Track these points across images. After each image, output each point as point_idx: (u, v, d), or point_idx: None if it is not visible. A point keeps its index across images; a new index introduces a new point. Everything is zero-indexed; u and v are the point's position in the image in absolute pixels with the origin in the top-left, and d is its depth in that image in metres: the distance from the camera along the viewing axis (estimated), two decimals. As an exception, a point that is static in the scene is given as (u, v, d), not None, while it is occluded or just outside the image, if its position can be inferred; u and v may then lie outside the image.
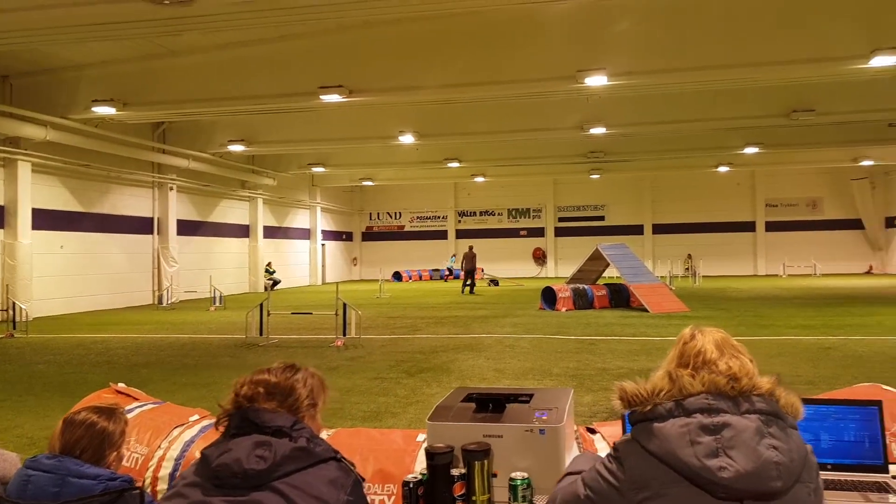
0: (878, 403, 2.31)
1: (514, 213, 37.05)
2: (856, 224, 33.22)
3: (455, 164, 25.32)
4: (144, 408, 3.63)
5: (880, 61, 12.46)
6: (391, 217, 38.66)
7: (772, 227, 34.16)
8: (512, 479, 2.07)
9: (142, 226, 20.82)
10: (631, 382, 1.65)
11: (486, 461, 2.12)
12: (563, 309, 15.98)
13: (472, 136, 20.20)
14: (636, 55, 12.90)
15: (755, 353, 6.50)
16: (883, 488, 2.13)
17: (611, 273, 18.81)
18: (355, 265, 38.25)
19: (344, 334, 11.26)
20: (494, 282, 28.53)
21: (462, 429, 2.22)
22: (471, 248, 23.83)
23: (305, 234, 32.45)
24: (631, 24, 12.45)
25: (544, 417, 2.20)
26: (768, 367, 6.36)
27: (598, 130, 19.01)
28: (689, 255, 32.60)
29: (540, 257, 36.21)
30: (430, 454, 2.14)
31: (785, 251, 33.08)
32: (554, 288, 16.48)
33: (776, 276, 32.00)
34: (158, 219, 21.42)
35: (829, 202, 33.87)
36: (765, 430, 1.49)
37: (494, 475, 2.15)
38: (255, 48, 14.47)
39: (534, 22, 12.69)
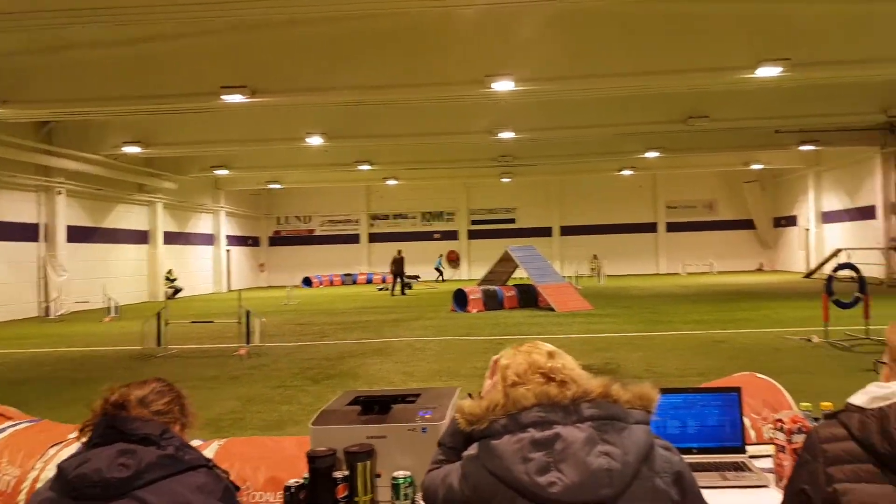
0: (738, 390, 2.47)
1: (427, 216, 37.15)
2: (748, 224, 35.44)
3: (366, 167, 25.10)
4: (18, 427, 3.37)
5: (765, 72, 13.32)
6: (300, 221, 37.82)
7: (672, 227, 35.89)
8: (394, 479, 2.05)
9: (25, 233, 19.33)
10: (468, 400, 1.64)
11: (368, 462, 2.11)
12: (474, 310, 16.14)
13: (383, 138, 20.08)
14: (541, 62, 13.21)
15: (652, 349, 6.84)
16: (739, 467, 2.28)
17: (521, 274, 19.17)
18: (262, 271, 37.15)
19: (247, 343, 10.88)
20: (408, 285, 28.43)
21: (346, 431, 2.19)
22: (399, 252, 25.32)
23: (209, 239, 31.24)
24: (535, 31, 12.71)
25: (427, 416, 2.19)
26: (664, 361, 6.66)
27: (507, 135, 19.36)
28: (595, 255, 33.70)
29: (454, 260, 36.48)
30: (311, 458, 2.11)
31: (684, 250, 34.83)
32: (465, 290, 16.63)
33: (676, 274, 33.62)
34: (45, 225, 19.97)
35: (724, 204, 35.94)
36: (597, 438, 1.48)
37: (378, 476, 2.13)
38: (152, 45, 13.71)
39: (443, 27, 12.73)
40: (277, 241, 37.90)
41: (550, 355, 1.67)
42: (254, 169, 27.02)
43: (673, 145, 24.12)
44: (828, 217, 29.55)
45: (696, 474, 2.08)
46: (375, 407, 2.30)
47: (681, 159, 28.53)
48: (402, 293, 24.39)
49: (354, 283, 33.36)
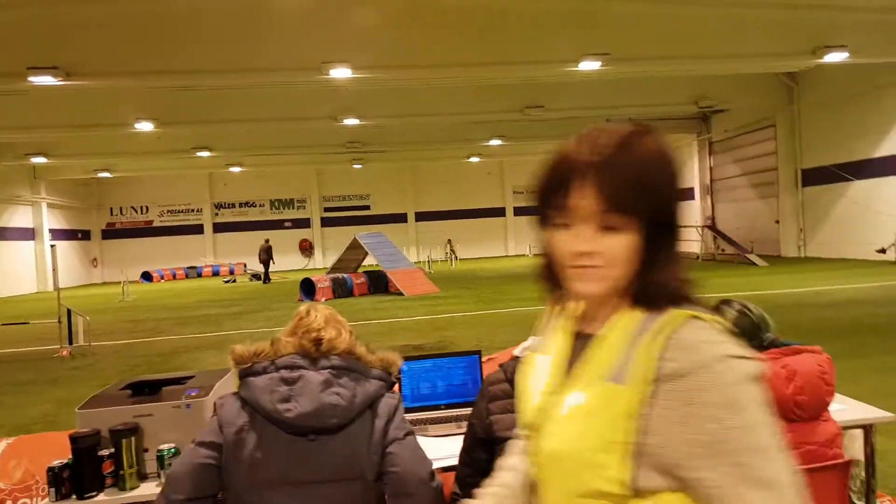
0: (479, 353, 2.89)
1: (277, 204, 36.15)
2: (586, 207, 37.90)
3: (205, 154, 23.94)
4: None
5: (587, 65, 14.38)
6: (137, 212, 35.34)
7: (519, 211, 37.67)
8: (159, 451, 2.21)
9: None
10: (241, 345, 1.90)
11: (133, 438, 2.23)
12: (322, 299, 16.05)
13: (221, 123, 19.29)
14: (377, 50, 13.33)
15: (487, 326, 7.34)
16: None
17: (372, 261, 19.32)
18: (95, 266, 34.35)
19: (70, 343, 10.16)
20: (257, 276, 27.67)
21: (113, 413, 2.30)
22: (266, 240, 26.49)
23: (28, 234, 28.34)
24: (370, 20, 12.80)
25: (193, 395, 2.29)
26: (493, 336, 7.16)
27: (352, 121, 19.35)
28: (450, 240, 34.64)
29: (307, 248, 35.87)
30: (74, 439, 2.22)
31: (531, 233, 36.59)
32: (312, 279, 16.50)
33: (524, 255, 35.40)
34: None
35: (564, 189, 38.18)
36: (333, 381, 1.81)
37: (146, 450, 2.26)
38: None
39: (276, 11, 12.45)
40: (112, 233, 35.13)
41: (326, 321, 1.96)
42: (79, 156, 24.76)
43: (514, 133, 25.31)
44: (654, 199, 32.34)
45: (440, 426, 2.58)
46: (146, 389, 2.37)
47: (523, 147, 29.96)
48: (266, 280, 25.29)
49: (199, 276, 31.79)
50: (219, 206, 35.84)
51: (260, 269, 26.02)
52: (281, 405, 1.74)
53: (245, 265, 31.12)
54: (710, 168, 27.61)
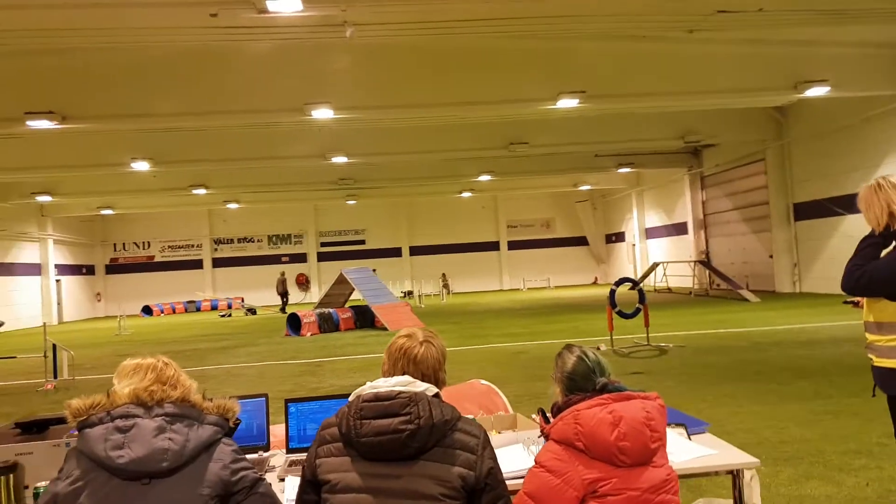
0: (265, 396, 3.01)
1: (274, 239, 36.55)
2: (582, 241, 38.14)
3: (202, 191, 24.44)
4: None
5: (565, 103, 14.71)
6: (139, 247, 35.85)
7: (513, 245, 37.87)
8: (36, 488, 2.37)
9: None
10: (77, 399, 2.03)
11: (11, 476, 2.38)
12: (308, 334, 16.24)
13: (214, 162, 19.74)
14: (357, 91, 13.74)
15: (458, 363, 7.49)
16: (262, 463, 2.82)
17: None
18: (99, 301, 34.79)
19: (55, 377, 10.36)
20: (251, 311, 27.92)
21: None
22: (282, 273, 29.41)
23: (35, 269, 28.90)
24: (348, 60, 13.24)
25: (74, 434, 2.47)
26: (462, 374, 7.29)
27: (340, 159, 19.74)
28: (444, 273, 34.84)
29: (304, 283, 36.12)
30: None
31: (524, 267, 36.86)
32: (299, 314, 16.69)
33: (518, 289, 35.49)
34: None
35: (560, 222, 38.47)
36: (167, 427, 1.92)
37: (27, 487, 2.42)
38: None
39: (256, 54, 12.90)
40: (115, 268, 35.62)
41: (165, 366, 2.16)
42: (82, 195, 25.37)
43: (502, 169, 25.65)
44: (650, 233, 32.52)
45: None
46: (34, 428, 2.56)
47: (515, 181, 30.35)
48: (283, 311, 26.10)
49: (198, 310, 32.06)
50: (218, 241, 36.29)
51: (260, 302, 26.24)
52: (114, 452, 1.84)
53: (242, 299, 31.39)
54: (703, 202, 27.77)
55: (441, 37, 12.55)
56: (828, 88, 15.30)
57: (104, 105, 13.26)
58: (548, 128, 20.11)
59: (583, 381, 2.36)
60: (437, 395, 2.05)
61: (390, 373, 2.16)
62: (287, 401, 2.94)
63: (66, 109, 13.07)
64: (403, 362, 2.16)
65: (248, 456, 2.89)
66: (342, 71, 13.42)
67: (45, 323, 11.83)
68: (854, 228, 18.95)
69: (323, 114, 13.70)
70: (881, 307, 3.01)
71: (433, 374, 2.15)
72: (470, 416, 3.46)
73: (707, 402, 6.68)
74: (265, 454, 2.92)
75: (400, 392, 1.98)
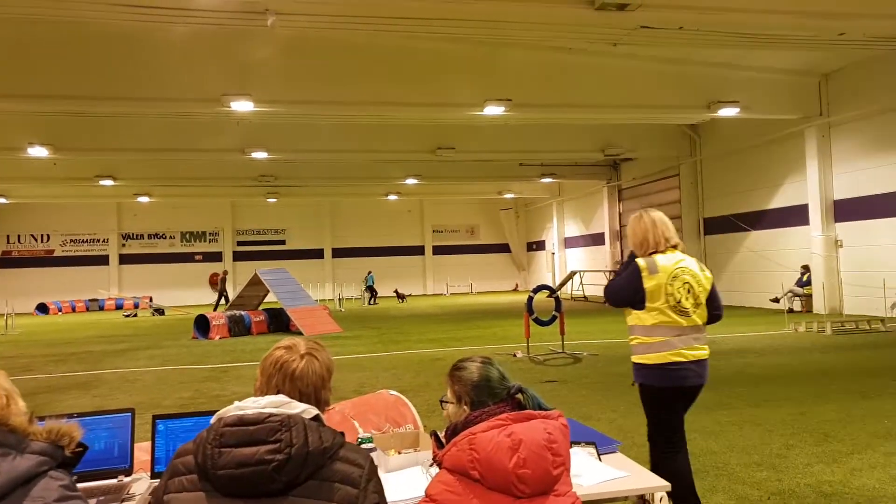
0: (131, 411, 2.63)
1: (188, 236, 34.96)
2: (505, 248, 38.51)
3: (109, 182, 22.98)
4: None
5: (491, 110, 14.69)
6: (37, 240, 33.40)
7: (438, 250, 37.81)
8: None
9: None
10: None
11: None
12: (217, 337, 15.49)
13: (123, 152, 18.60)
14: (278, 84, 13.25)
15: (374, 369, 7.21)
16: (120, 490, 2.43)
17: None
18: (-15, 297, 32.19)
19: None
20: (159, 311, 26.54)
21: None
22: (224, 271, 29.34)
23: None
24: (273, 53, 12.72)
25: None
26: (377, 381, 6.90)
27: (261, 155, 19.03)
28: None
29: (215, 283, 34.70)
30: None
31: (449, 272, 36.84)
32: (207, 315, 15.89)
33: (441, 294, 35.39)
34: None
35: (485, 229, 38.71)
36: None
37: None
38: None
39: (173, 39, 12.19)
40: (7, 262, 32.92)
41: None
42: (-30, 181, 23.42)
43: (429, 173, 25.54)
44: (569, 242, 33.21)
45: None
46: None
47: (441, 186, 30.32)
48: (216, 308, 25.10)
49: (102, 309, 30.21)
50: (126, 236, 34.30)
51: (170, 302, 24.89)
52: None
53: (151, 299, 29.82)
54: (620, 214, 28.54)
55: (369, 33, 12.24)
56: (738, 109, 15.98)
57: (-3, 83, 12.19)
58: (475, 134, 20.13)
59: (499, 385, 2.15)
60: (316, 418, 1.76)
61: (262, 390, 1.86)
62: (155, 417, 2.58)
63: (-50, 85, 11.95)
64: (279, 378, 1.86)
65: (106, 482, 2.50)
66: (264, 62, 12.90)
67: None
68: (756, 244, 19.91)
69: (242, 106, 13.11)
70: (627, 313, 3.65)
71: (314, 392, 1.86)
72: (366, 435, 3.18)
73: (618, 412, 6.67)
74: (126, 479, 2.54)
75: (270, 415, 1.68)
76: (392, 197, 30.86)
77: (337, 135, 19.12)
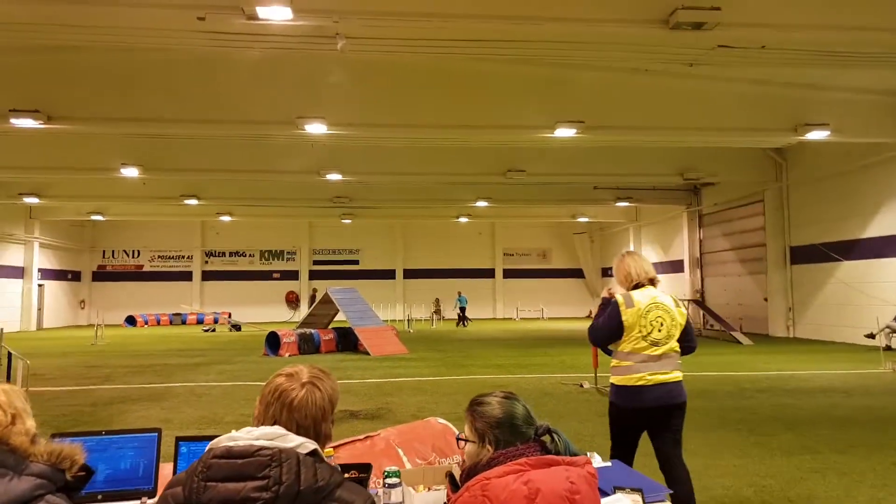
0: (158, 431, 2.56)
1: (266, 254, 36.14)
2: (578, 273, 37.75)
3: (193, 202, 24.08)
4: None
5: (562, 132, 14.45)
6: (128, 256, 35.38)
7: (508, 273, 37.49)
8: None
9: None
10: None
11: None
12: (287, 354, 15.77)
13: (206, 172, 19.40)
14: (352, 108, 13.49)
15: (436, 393, 7.23)
16: None
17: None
18: (83, 308, 34.24)
19: (9, 386, 9.89)
20: (236, 326, 27.43)
21: None
22: (314, 290, 30.78)
23: (18, 272, 28.43)
24: (344, 76, 12.99)
25: None
26: (436, 406, 6.89)
27: (335, 177, 19.43)
28: (437, 298, 34.38)
29: (293, 301, 35.64)
30: None
31: (519, 296, 36.41)
32: (278, 333, 16.23)
33: (511, 318, 34.98)
34: None
35: (557, 253, 38.14)
36: None
37: None
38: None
39: (248, 63, 12.66)
40: (102, 276, 35.10)
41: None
42: (71, 198, 24.97)
43: (499, 196, 25.41)
44: (645, 268, 32.13)
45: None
46: None
47: (512, 209, 30.08)
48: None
49: (184, 323, 31.56)
50: (209, 253, 35.86)
51: (248, 318, 25.68)
52: None
53: (230, 315, 30.90)
54: (700, 241, 27.46)
55: (438, 57, 12.33)
56: (828, 133, 15.08)
57: (91, 106, 12.98)
58: (545, 157, 19.89)
59: (525, 424, 1.98)
60: (314, 453, 1.64)
61: (260, 420, 1.76)
62: (178, 439, 2.53)
63: (51, 109, 12.80)
64: (276, 408, 1.74)
65: (130, 503, 2.48)
66: (336, 85, 13.18)
67: (1, 329, 11.34)
68: (848, 275, 18.62)
69: (316, 128, 13.42)
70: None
71: (313, 425, 1.74)
72: (393, 469, 3.04)
73: (687, 452, 6.20)
74: (149, 501, 2.50)
75: (261, 448, 1.57)
76: (463, 219, 30.91)
77: (408, 157, 19.32)
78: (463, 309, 29.93)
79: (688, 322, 4.03)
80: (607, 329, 3.93)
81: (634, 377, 3.88)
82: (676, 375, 3.97)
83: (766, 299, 22.44)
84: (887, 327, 16.01)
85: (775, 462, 5.90)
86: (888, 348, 15.39)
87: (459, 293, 31.17)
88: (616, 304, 3.90)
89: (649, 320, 3.87)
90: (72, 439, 2.30)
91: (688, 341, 4.03)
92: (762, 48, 10.98)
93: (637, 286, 3.97)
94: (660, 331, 3.88)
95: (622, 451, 4.00)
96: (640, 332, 3.85)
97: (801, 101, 15.11)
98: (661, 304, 3.92)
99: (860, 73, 14.09)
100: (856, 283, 18.34)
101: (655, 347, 3.87)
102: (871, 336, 16.39)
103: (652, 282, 4.02)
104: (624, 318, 3.86)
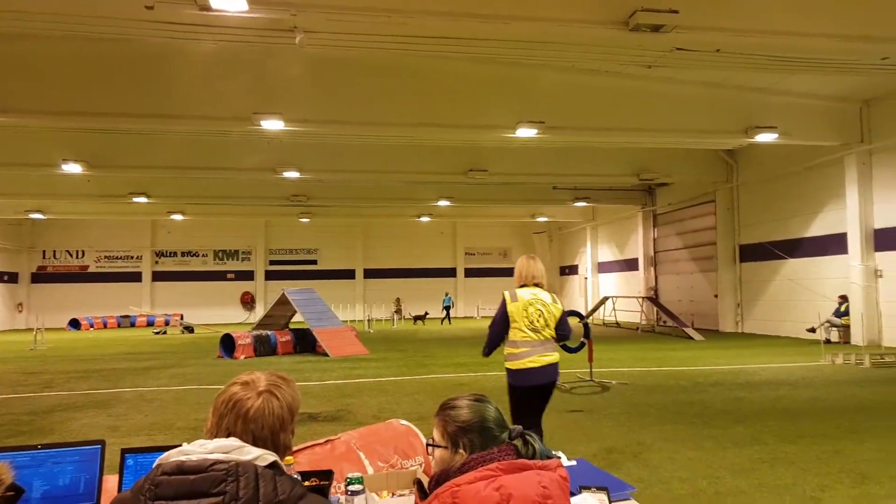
0: (101, 443, 2.38)
1: (220, 254, 35.32)
2: (537, 272, 37.92)
3: (142, 200, 23.28)
4: None
5: (524, 132, 14.48)
6: (72, 256, 34.06)
7: (470, 272, 37.54)
8: None
9: None
10: None
11: None
12: (242, 356, 15.39)
13: (156, 169, 18.78)
14: (309, 104, 13.23)
15: (396, 394, 7.38)
16: None
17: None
18: (20, 311, 32.74)
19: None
20: (189, 329, 26.73)
21: None
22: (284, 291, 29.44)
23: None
24: (303, 71, 12.73)
25: None
26: (397, 406, 6.79)
27: (292, 174, 19.06)
28: (398, 298, 34.16)
29: (248, 302, 34.93)
30: None
31: (481, 295, 36.46)
32: (233, 335, 15.82)
33: (472, 317, 35.01)
34: None
35: (517, 252, 38.13)
36: None
37: None
38: None
39: (204, 57, 12.28)
40: (43, 277, 33.66)
41: None
42: (9, 196, 23.73)
43: (461, 195, 25.39)
44: (602, 267, 32.63)
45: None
46: None
47: (474, 209, 30.12)
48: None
49: (133, 325, 30.57)
50: (160, 253, 34.84)
51: (201, 320, 24.98)
52: None
53: (181, 316, 30.09)
54: (654, 240, 27.95)
55: (400, 53, 12.16)
56: (776, 135, 15.51)
57: (32, 99, 12.36)
58: (507, 156, 19.93)
59: (498, 429, 1.89)
60: (273, 465, 1.50)
61: (213, 432, 1.61)
62: (124, 451, 2.35)
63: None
64: (230, 419, 1.60)
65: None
66: (294, 81, 12.90)
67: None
68: (793, 272, 19.21)
69: (272, 125, 13.11)
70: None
71: (270, 436, 1.60)
72: (356, 475, 2.90)
73: (644, 446, 6.33)
74: None
75: (216, 462, 1.43)
76: (424, 218, 30.79)
77: (369, 156, 19.09)
78: (448, 308, 30.52)
79: (562, 314, 4.93)
80: (500, 318, 4.85)
81: (525, 361, 4.75)
82: (555, 356, 4.87)
83: (716, 296, 22.99)
84: (827, 322, 16.58)
85: (728, 454, 6.02)
86: (828, 342, 15.94)
87: (447, 294, 31.83)
88: (503, 299, 4.88)
89: (530, 312, 4.78)
90: (1, 456, 2.10)
91: (562, 330, 4.91)
92: (717, 51, 11.16)
93: (523, 286, 4.91)
94: (538, 321, 4.79)
95: (525, 421, 4.45)
96: (523, 322, 4.77)
97: (752, 105, 15.51)
98: (540, 299, 4.85)
99: (806, 79, 14.51)
100: (800, 279, 18.91)
101: (537, 334, 4.78)
102: (812, 330, 16.96)
103: (537, 284, 4.92)
104: (509, 308, 4.80)
